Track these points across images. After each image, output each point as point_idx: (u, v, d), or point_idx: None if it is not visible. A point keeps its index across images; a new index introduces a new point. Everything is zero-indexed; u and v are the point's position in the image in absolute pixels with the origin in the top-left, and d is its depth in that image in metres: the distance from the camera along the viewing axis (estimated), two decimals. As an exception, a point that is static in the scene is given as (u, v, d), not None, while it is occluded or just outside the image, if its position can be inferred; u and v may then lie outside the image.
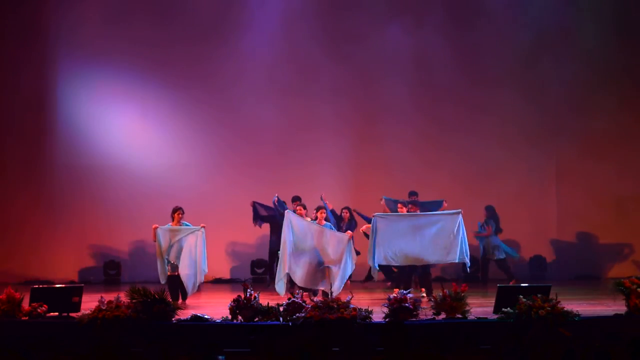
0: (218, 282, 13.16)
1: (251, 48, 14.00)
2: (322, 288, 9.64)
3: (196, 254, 10.34)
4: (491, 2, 14.20)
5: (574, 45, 14.05)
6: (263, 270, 13.44)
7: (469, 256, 10.08)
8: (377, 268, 10.21)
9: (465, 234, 10.06)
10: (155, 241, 10.33)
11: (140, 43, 13.86)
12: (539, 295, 7.36)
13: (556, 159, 14.13)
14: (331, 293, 8.86)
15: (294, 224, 9.70)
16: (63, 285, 8.72)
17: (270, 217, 12.15)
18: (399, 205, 10.86)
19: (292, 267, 9.55)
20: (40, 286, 8.24)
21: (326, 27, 14.08)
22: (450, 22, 14.13)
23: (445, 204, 11.64)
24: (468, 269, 10.36)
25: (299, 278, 9.62)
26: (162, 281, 10.36)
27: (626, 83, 14.03)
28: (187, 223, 10.64)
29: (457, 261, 10.17)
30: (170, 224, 10.56)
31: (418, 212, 10.57)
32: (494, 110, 14.03)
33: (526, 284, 8.06)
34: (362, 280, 11.76)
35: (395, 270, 11.30)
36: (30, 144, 13.89)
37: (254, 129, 14.03)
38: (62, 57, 13.97)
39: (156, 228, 10.35)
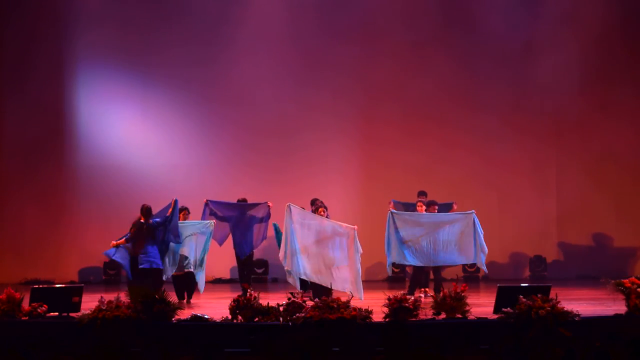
0: (218, 282, 13.15)
1: (253, 48, 14.03)
2: (339, 289, 9.48)
3: (202, 249, 10.35)
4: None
5: (576, 41, 14.04)
6: (263, 270, 13.46)
7: (484, 256, 10.12)
8: (390, 266, 10.28)
9: (481, 234, 10.08)
10: None
11: (141, 44, 13.90)
12: (539, 295, 7.35)
13: (557, 158, 14.14)
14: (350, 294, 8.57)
15: (294, 217, 9.51)
16: (63, 285, 8.70)
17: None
18: (419, 203, 10.82)
19: (297, 262, 9.40)
20: (40, 286, 8.22)
21: (329, 25, 14.10)
22: (449, 22, 14.13)
23: (455, 207, 11.59)
24: (485, 269, 10.37)
25: (307, 273, 9.46)
26: (165, 277, 10.31)
27: (627, 81, 14.03)
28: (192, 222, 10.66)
29: (472, 262, 10.26)
30: None
31: (436, 212, 10.57)
32: (495, 109, 14.05)
33: (526, 284, 8.05)
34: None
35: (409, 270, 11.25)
36: (30, 143, 13.89)
37: (255, 130, 14.04)
38: (65, 58, 13.99)
39: None
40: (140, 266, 9.78)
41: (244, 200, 11.72)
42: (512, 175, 13.99)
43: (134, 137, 14.01)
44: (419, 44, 14.05)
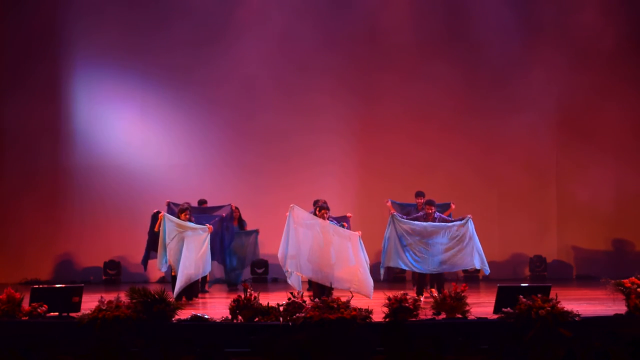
0: (218, 282, 13.15)
1: (253, 50, 13.98)
2: (340, 287, 9.42)
3: (200, 253, 10.29)
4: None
5: (574, 43, 14.05)
6: (263, 270, 13.46)
7: (485, 261, 10.17)
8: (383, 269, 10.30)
9: (477, 238, 10.09)
10: (157, 230, 10.18)
11: (141, 45, 13.88)
12: (539, 295, 7.36)
13: (557, 158, 14.13)
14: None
15: (296, 218, 9.45)
16: (63, 285, 8.69)
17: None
18: (426, 207, 10.70)
19: (297, 262, 9.37)
20: (40, 286, 8.23)
21: (328, 27, 14.07)
22: (450, 27, 14.13)
23: (452, 206, 11.52)
24: (486, 270, 10.37)
25: (308, 272, 9.46)
26: (163, 269, 10.19)
27: (627, 82, 14.03)
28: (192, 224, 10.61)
29: (477, 267, 10.26)
30: None
31: (433, 212, 10.54)
32: (494, 110, 14.02)
33: (526, 284, 8.05)
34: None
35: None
36: (31, 144, 13.89)
37: (255, 131, 14.03)
38: (64, 58, 13.97)
39: (164, 216, 10.12)
40: None
41: (204, 201, 11.90)
42: (512, 175, 13.97)
43: (133, 137, 13.99)
44: (418, 48, 14.01)
